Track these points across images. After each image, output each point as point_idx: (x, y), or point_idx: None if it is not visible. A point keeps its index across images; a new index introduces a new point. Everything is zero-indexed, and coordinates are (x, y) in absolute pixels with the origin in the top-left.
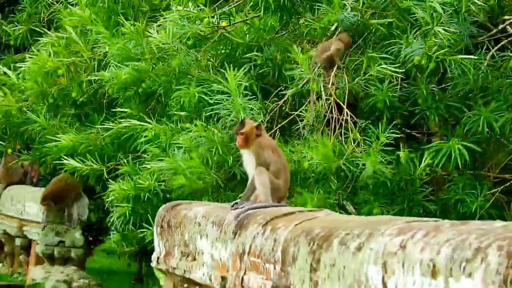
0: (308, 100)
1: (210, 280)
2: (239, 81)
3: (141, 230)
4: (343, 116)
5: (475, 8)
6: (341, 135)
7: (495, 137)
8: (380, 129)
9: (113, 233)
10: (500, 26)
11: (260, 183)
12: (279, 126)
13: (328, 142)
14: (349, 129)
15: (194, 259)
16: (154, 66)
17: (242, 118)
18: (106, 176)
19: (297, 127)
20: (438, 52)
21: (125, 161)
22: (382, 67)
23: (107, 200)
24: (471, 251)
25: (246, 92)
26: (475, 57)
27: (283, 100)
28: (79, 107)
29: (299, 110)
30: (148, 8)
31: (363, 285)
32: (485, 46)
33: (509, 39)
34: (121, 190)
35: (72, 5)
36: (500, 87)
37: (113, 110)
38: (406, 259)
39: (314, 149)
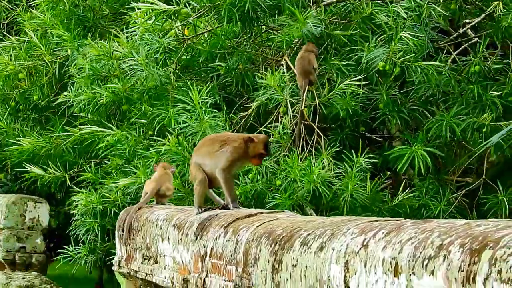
0: (274, 114)
1: (172, 282)
2: (204, 99)
3: (106, 244)
4: (314, 136)
5: (436, 12)
6: (310, 154)
7: (457, 141)
8: (354, 154)
9: (77, 247)
10: (461, 30)
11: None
12: None
13: (297, 163)
14: (321, 147)
15: (156, 262)
16: (123, 84)
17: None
18: (69, 183)
19: None
20: (403, 58)
21: (88, 168)
22: (346, 83)
23: (73, 212)
24: (434, 249)
25: (207, 99)
26: (440, 64)
27: (247, 112)
28: (40, 111)
29: (265, 125)
30: (108, 12)
31: (325, 284)
32: (445, 50)
33: (469, 42)
34: (87, 203)
35: (33, 8)
36: (462, 92)
37: (74, 114)
38: (368, 258)
39: (290, 170)
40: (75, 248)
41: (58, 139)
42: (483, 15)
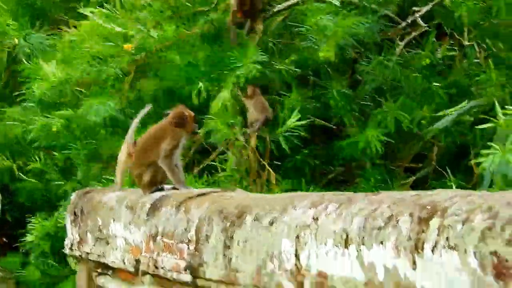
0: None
1: (124, 263)
2: None
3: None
4: (266, 171)
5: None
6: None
7: (405, 131)
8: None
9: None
10: (410, 19)
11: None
12: (201, 166)
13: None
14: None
15: (108, 243)
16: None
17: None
18: (17, 173)
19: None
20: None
21: (37, 158)
22: (298, 122)
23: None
24: (383, 220)
25: None
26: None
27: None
28: None
29: (213, 159)
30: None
31: (277, 258)
32: (396, 39)
33: (417, 32)
34: (41, 227)
35: None
36: (409, 83)
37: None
38: (319, 231)
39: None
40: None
41: (9, 128)
42: (432, 3)
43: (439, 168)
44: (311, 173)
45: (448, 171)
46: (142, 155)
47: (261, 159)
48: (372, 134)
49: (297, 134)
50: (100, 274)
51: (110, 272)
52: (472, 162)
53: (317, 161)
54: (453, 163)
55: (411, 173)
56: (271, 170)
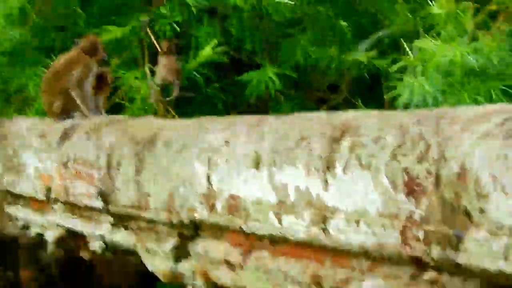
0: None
1: (36, 192)
2: None
3: None
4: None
5: None
6: None
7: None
8: None
9: None
10: None
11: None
12: None
13: None
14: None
15: (18, 172)
16: None
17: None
18: None
19: None
20: None
21: None
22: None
23: None
24: (295, 140)
25: None
26: None
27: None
28: None
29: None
30: None
31: (188, 183)
32: None
33: None
34: None
35: None
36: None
37: None
38: (231, 154)
39: None
40: None
41: None
42: None
43: (352, 100)
44: (223, 107)
45: (359, 100)
46: (53, 83)
47: (168, 107)
48: (270, 70)
49: (208, 67)
50: (10, 204)
51: (21, 201)
52: (384, 92)
53: (229, 95)
54: (365, 94)
55: (324, 104)
56: (176, 115)
